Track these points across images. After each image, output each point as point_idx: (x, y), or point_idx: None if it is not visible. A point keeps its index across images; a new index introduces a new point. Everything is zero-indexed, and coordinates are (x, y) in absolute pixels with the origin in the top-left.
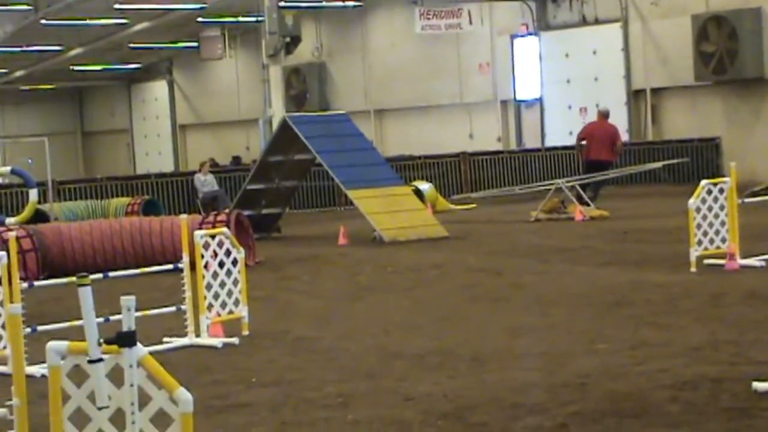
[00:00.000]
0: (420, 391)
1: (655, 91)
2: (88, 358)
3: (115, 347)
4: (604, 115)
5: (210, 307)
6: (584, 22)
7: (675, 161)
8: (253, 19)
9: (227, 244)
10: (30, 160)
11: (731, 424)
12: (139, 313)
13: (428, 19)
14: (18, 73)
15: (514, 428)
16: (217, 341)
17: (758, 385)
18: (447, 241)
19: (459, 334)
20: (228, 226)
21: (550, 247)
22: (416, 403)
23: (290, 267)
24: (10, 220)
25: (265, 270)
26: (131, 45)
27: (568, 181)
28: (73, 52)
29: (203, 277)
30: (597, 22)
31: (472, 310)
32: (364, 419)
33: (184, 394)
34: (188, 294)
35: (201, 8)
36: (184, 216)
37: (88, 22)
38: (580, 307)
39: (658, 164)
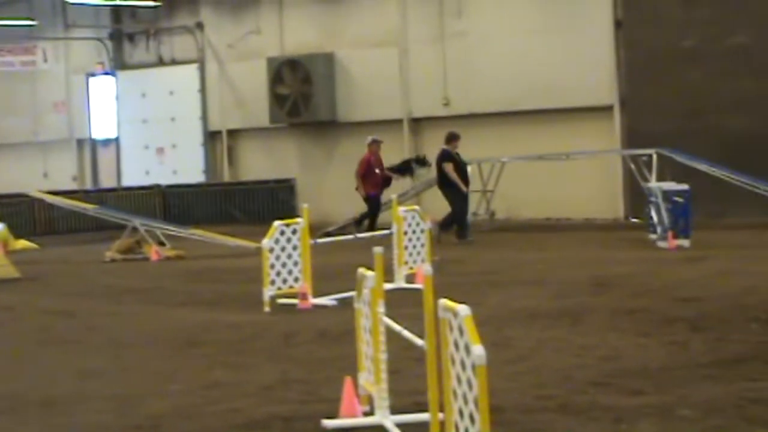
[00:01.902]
0: None
1: (232, 133)
2: None
3: None
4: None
5: None
6: (161, 62)
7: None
8: None
9: None
10: None
11: None
12: None
13: (2, 55)
14: None
15: None
16: None
17: (327, 423)
18: (19, 282)
19: (29, 378)
20: None
21: (125, 287)
22: None
23: None
24: None
25: None
26: None
27: (142, 223)
28: None
29: None
30: (174, 62)
31: (43, 353)
32: None
33: None
34: None
35: None
36: None
37: None
38: (153, 348)
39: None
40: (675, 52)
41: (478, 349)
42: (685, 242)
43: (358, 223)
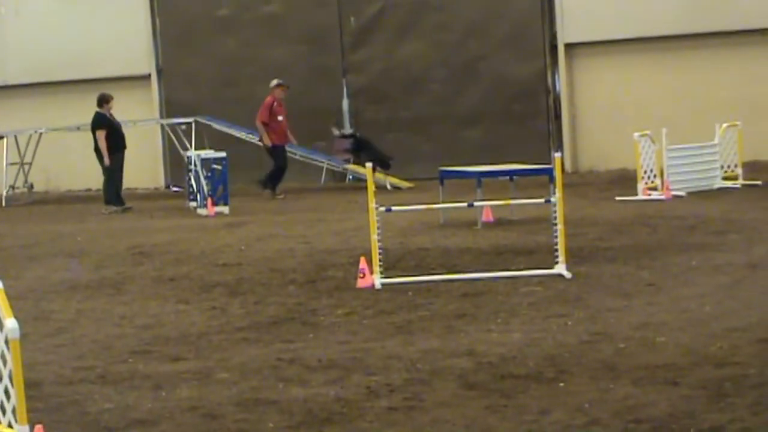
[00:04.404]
0: None
1: None
2: None
3: None
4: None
5: None
6: None
7: None
8: None
9: None
10: None
11: None
12: None
13: None
14: None
15: None
16: None
17: None
18: None
19: None
20: None
21: None
22: None
23: None
24: None
25: None
26: None
27: None
28: None
29: None
30: None
31: None
32: None
33: None
34: None
35: None
36: None
37: None
38: None
39: None
40: (210, 21)
41: (11, 323)
42: (224, 209)
43: (265, 184)
